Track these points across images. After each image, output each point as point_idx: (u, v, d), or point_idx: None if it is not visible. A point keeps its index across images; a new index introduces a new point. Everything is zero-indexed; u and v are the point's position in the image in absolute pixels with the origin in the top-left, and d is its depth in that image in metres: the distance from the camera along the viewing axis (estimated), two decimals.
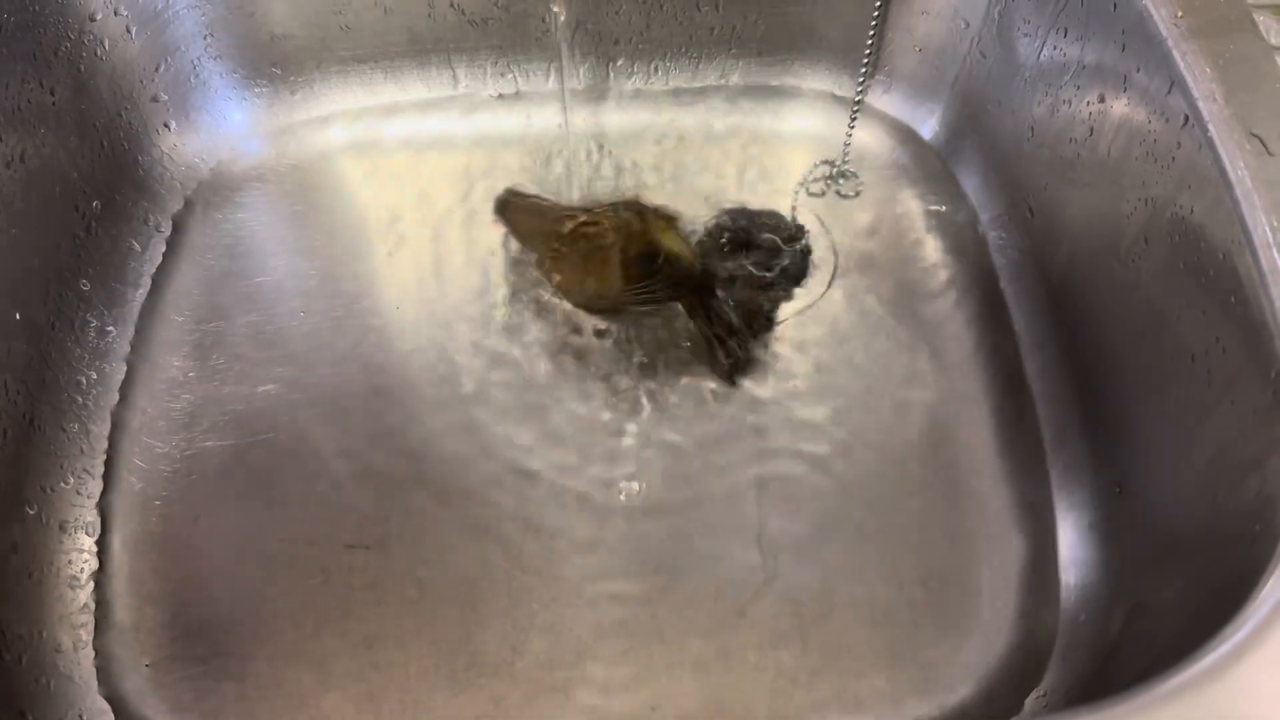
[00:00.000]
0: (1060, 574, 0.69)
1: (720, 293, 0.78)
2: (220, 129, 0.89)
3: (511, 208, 0.83)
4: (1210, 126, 0.57)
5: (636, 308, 0.78)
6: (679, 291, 0.77)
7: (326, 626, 0.68)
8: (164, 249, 0.84)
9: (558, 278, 0.77)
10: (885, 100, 0.90)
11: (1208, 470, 0.57)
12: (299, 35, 0.88)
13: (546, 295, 0.81)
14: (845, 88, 0.91)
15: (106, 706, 0.66)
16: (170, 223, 0.85)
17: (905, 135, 0.90)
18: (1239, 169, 0.55)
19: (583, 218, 0.76)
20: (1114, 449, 0.68)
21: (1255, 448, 0.53)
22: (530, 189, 0.84)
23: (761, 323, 0.79)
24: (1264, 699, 0.42)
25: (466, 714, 0.65)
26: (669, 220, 0.78)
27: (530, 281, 0.81)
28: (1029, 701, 0.65)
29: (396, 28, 0.88)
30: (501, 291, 0.82)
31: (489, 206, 0.84)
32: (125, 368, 0.78)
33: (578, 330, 0.80)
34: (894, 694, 0.66)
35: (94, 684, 0.67)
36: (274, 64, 0.89)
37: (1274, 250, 0.52)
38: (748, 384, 0.77)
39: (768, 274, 0.82)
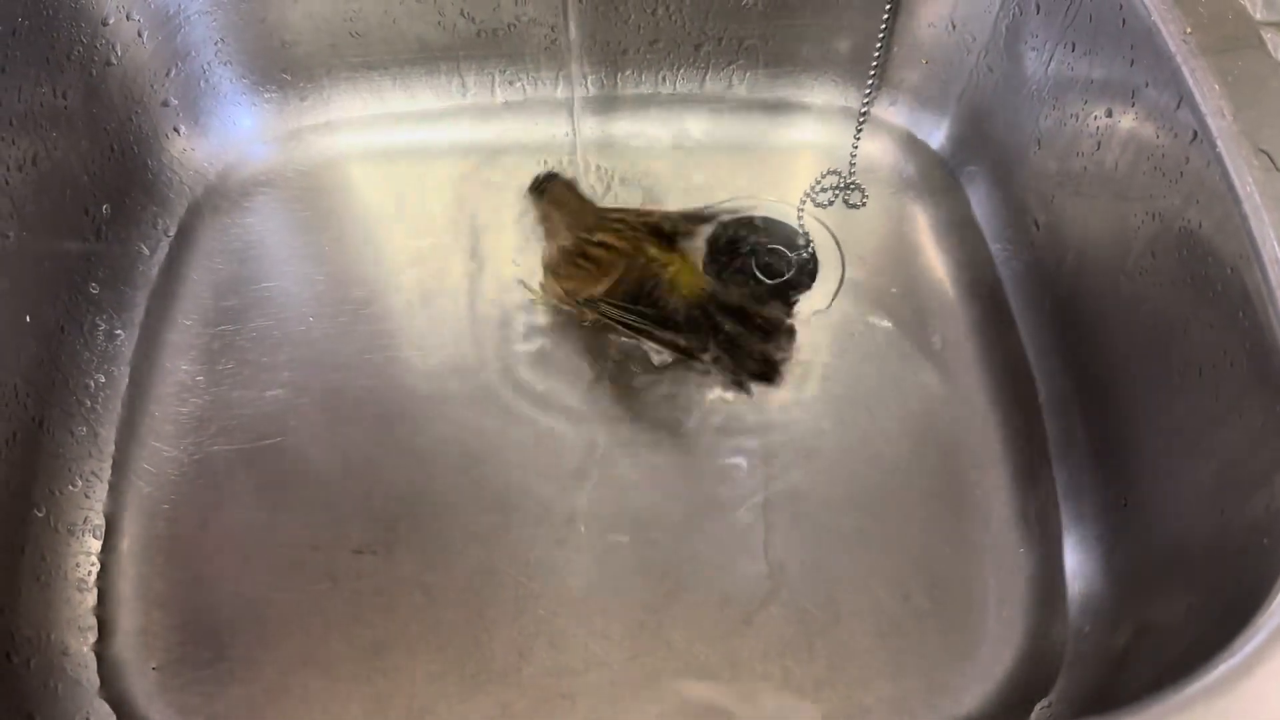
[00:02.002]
0: (1066, 586, 0.69)
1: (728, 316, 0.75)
2: (230, 134, 0.89)
3: (550, 193, 0.78)
4: (1218, 142, 0.57)
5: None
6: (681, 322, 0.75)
7: (334, 631, 0.68)
8: (173, 253, 0.84)
9: (568, 284, 0.76)
10: (892, 112, 0.91)
11: (1215, 484, 0.57)
12: (309, 42, 0.88)
13: (557, 302, 0.81)
14: (852, 100, 0.91)
15: (113, 710, 0.66)
16: (179, 227, 0.85)
17: (912, 147, 0.91)
18: (1247, 184, 0.55)
19: (604, 238, 0.75)
20: (1120, 461, 0.68)
21: (1263, 462, 0.53)
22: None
23: (783, 336, 0.77)
24: (1274, 713, 0.43)
25: None
26: (687, 262, 0.76)
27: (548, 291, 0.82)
28: (1035, 713, 0.65)
29: (406, 36, 0.89)
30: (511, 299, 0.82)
31: (496, 212, 0.84)
32: (133, 371, 0.78)
33: (581, 338, 0.80)
34: (900, 704, 0.66)
35: (101, 687, 0.67)
36: (284, 70, 0.89)
37: None
38: (753, 391, 0.78)
39: (773, 282, 0.83)
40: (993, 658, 0.68)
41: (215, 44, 0.86)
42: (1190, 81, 0.60)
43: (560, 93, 0.92)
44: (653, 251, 0.73)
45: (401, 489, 0.74)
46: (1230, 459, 0.56)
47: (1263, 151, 0.56)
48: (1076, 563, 0.69)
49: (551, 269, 0.76)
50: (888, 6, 0.84)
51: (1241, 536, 0.53)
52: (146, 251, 0.83)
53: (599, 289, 0.74)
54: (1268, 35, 0.61)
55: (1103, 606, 0.66)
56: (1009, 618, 0.69)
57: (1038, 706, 0.66)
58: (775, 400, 0.77)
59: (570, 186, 0.79)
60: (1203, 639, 0.48)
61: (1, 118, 0.69)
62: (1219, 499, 0.56)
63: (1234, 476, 0.55)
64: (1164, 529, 0.62)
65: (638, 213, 0.77)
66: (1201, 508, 0.58)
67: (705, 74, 0.92)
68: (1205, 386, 0.58)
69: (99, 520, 0.72)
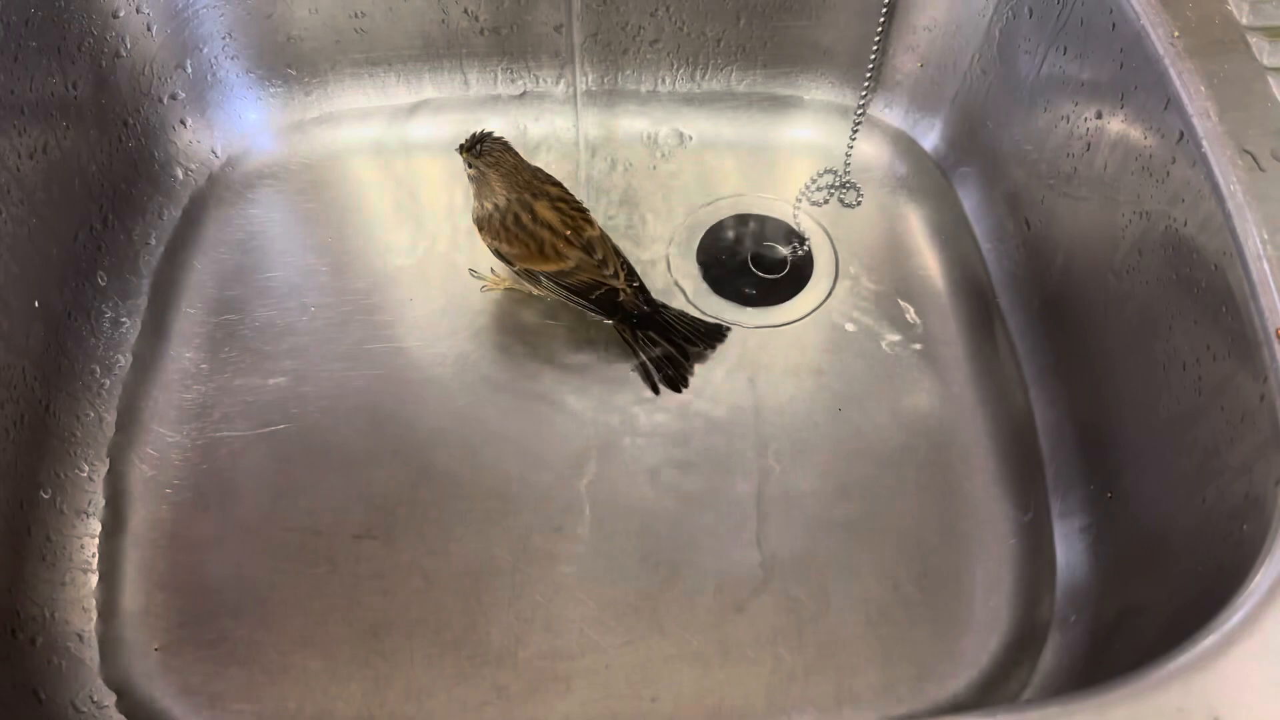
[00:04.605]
0: (1052, 575, 0.70)
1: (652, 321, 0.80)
2: (235, 127, 0.91)
3: (486, 154, 0.76)
4: (1204, 143, 0.59)
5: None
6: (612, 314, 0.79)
7: (333, 614, 0.69)
8: (178, 243, 0.85)
9: (509, 248, 0.77)
10: (887, 113, 0.93)
11: (1197, 474, 0.59)
12: (314, 37, 0.90)
13: (546, 294, 0.82)
14: (848, 100, 0.93)
15: (115, 689, 0.67)
16: (184, 217, 0.87)
17: (906, 148, 0.92)
18: (1231, 184, 0.57)
19: (548, 218, 0.77)
20: (1107, 454, 0.69)
21: (1244, 452, 0.54)
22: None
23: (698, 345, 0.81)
24: (1251, 687, 0.44)
25: (470, 702, 0.67)
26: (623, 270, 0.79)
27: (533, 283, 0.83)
28: (1020, 699, 0.66)
29: (410, 32, 0.90)
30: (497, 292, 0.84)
31: None
32: (138, 358, 0.79)
33: (581, 330, 0.82)
34: (889, 690, 0.67)
35: (104, 666, 0.68)
36: (289, 65, 0.91)
37: (1264, 262, 0.54)
38: (748, 385, 0.79)
39: (768, 278, 0.85)
40: (980, 645, 0.69)
41: (222, 38, 0.87)
42: (1177, 84, 0.61)
43: (561, 89, 0.94)
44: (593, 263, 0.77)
45: (401, 476, 0.75)
46: (1212, 449, 0.57)
47: (1247, 152, 0.58)
48: (1063, 552, 0.71)
49: (483, 226, 0.77)
50: (884, 9, 0.85)
51: (1222, 523, 0.54)
52: (152, 241, 0.84)
53: (546, 268, 0.77)
54: (1253, 39, 0.63)
55: (1088, 595, 0.67)
56: (996, 606, 0.70)
57: (1024, 693, 0.67)
58: (769, 394, 0.79)
59: (507, 147, 0.77)
60: (1183, 621, 0.49)
61: (13, 106, 0.71)
62: (1201, 488, 0.58)
63: (1216, 466, 0.57)
64: (1149, 518, 0.63)
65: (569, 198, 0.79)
66: (1185, 497, 0.59)
67: (704, 73, 0.94)
68: (1189, 380, 0.60)
69: (103, 503, 0.73)
